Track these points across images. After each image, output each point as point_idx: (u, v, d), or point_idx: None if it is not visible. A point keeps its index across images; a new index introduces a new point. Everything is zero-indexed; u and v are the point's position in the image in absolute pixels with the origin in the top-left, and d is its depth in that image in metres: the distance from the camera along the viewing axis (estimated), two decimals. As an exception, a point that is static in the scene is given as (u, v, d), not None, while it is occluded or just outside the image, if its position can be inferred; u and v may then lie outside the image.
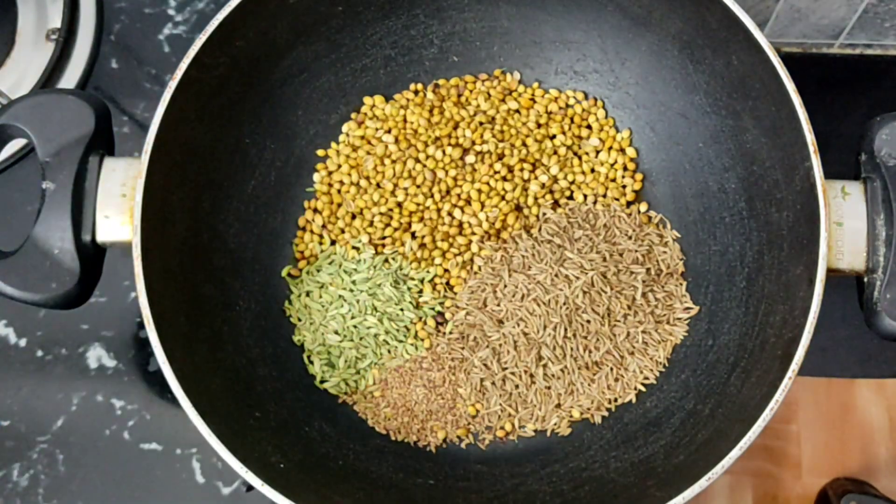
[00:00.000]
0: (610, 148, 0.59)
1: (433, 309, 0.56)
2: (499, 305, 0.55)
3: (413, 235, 0.57)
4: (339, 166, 0.59)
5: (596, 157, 0.59)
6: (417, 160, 0.58)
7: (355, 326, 0.55)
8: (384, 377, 0.55)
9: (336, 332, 0.55)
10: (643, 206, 0.58)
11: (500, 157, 0.58)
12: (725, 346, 0.52)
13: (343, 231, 0.58)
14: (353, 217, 0.58)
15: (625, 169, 0.59)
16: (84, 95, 0.48)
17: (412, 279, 0.57)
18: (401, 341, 0.55)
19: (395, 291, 0.55)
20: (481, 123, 0.59)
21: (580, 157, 0.59)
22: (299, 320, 0.56)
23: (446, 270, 0.57)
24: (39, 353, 0.61)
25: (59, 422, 0.60)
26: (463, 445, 0.55)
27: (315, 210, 0.59)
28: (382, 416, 0.55)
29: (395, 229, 0.57)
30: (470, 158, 0.58)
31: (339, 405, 0.56)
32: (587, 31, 0.58)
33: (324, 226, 0.58)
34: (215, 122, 0.53)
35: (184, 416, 0.43)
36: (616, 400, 0.54)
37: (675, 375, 0.54)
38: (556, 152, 0.59)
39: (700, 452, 0.47)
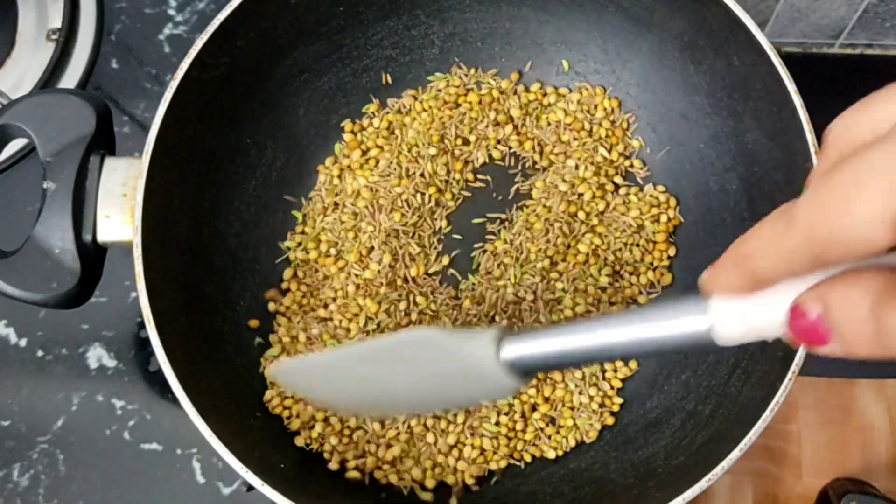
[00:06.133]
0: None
1: None
2: None
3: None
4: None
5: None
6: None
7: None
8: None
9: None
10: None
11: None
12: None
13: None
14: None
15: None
16: (85, 95, 0.48)
17: None
18: None
19: None
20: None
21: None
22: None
23: None
24: (40, 353, 0.61)
25: (60, 422, 0.60)
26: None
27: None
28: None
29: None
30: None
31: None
32: (588, 32, 0.58)
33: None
34: (216, 122, 0.53)
35: (184, 416, 0.43)
36: None
37: (676, 376, 0.54)
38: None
39: (700, 453, 0.47)
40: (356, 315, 0.55)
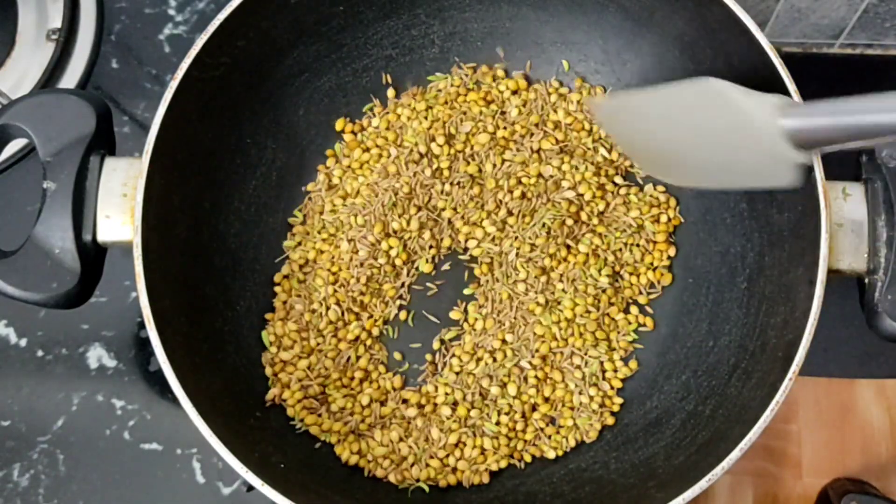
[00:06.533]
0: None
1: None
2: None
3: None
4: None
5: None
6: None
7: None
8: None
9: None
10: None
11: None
12: (726, 347, 0.52)
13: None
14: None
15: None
16: (85, 95, 0.48)
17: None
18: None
19: None
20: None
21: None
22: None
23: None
24: (40, 353, 0.61)
25: (60, 422, 0.60)
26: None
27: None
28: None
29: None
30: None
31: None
32: (588, 32, 0.58)
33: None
34: (216, 122, 0.53)
35: (184, 416, 0.43)
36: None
37: (676, 376, 0.54)
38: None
39: (700, 453, 0.47)
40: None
